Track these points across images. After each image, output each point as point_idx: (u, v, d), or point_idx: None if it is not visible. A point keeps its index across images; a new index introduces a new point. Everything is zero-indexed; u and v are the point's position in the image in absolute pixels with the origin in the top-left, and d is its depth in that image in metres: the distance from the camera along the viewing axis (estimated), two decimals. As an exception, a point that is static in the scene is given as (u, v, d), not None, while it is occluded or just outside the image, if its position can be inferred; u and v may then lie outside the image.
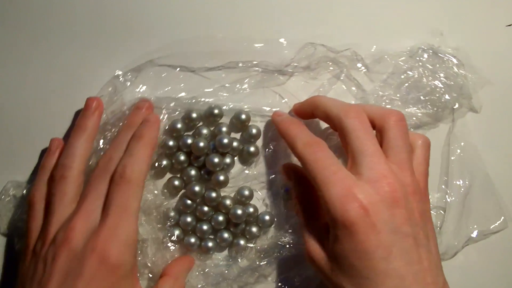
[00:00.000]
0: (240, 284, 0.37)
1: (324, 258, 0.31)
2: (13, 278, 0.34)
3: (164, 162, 0.38)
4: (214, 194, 0.37)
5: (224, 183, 0.38)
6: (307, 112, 0.36)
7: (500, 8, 0.40)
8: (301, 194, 0.35)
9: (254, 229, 0.38)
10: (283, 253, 0.37)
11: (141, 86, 0.38)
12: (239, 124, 0.38)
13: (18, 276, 0.32)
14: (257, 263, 0.37)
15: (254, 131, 0.38)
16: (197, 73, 0.38)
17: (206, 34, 0.39)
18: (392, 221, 0.29)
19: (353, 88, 0.39)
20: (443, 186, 0.39)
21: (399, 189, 0.29)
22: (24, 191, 0.37)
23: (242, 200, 0.38)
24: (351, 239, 0.29)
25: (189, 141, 0.38)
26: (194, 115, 0.38)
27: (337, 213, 0.29)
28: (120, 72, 0.38)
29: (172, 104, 0.38)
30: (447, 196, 0.38)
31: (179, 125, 0.38)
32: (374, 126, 0.33)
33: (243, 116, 0.38)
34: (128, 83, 0.38)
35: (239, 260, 0.38)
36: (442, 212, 0.38)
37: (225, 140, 0.37)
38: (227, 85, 0.38)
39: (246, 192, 0.38)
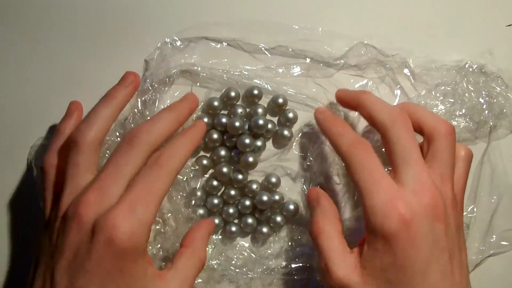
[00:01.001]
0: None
1: (354, 275, 0.29)
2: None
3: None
4: (240, 176, 0.37)
5: (252, 165, 0.37)
6: (350, 104, 0.35)
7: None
8: (327, 219, 0.33)
9: (278, 218, 0.37)
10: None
11: (187, 56, 0.38)
12: (276, 107, 0.38)
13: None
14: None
15: (291, 115, 0.38)
16: (244, 50, 0.38)
17: (260, 18, 0.38)
18: (432, 235, 0.28)
19: (397, 92, 0.39)
20: (471, 206, 0.39)
21: (440, 202, 0.29)
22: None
23: (269, 186, 0.38)
24: (390, 252, 0.28)
25: (224, 120, 0.37)
26: (232, 93, 0.37)
27: (377, 223, 0.28)
28: (168, 40, 0.38)
29: (214, 78, 0.38)
30: (474, 213, 0.39)
31: (216, 103, 0.37)
32: (422, 131, 0.32)
33: (280, 100, 0.38)
34: (176, 51, 0.37)
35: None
36: (467, 228, 0.38)
37: (261, 121, 0.37)
38: (272, 66, 0.38)
39: (274, 179, 0.38)
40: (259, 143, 0.38)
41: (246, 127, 0.37)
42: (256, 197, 0.37)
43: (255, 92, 0.37)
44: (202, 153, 0.38)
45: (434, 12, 0.40)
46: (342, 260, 0.30)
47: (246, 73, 0.38)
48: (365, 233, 0.30)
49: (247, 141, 0.36)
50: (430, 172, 0.30)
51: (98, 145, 0.31)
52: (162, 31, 0.38)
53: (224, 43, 0.38)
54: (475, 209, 0.39)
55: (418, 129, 0.32)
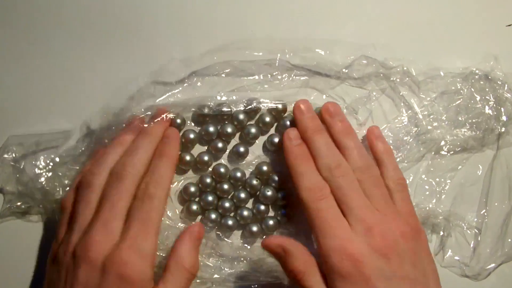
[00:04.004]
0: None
1: None
2: (11, 234, 0.36)
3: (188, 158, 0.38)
4: (239, 174, 0.37)
5: (244, 155, 0.38)
6: (299, 130, 0.36)
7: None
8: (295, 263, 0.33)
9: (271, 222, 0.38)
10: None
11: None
12: (276, 114, 0.38)
13: (45, 278, 0.33)
14: None
15: (287, 123, 0.38)
16: (237, 67, 0.38)
17: (263, 34, 0.39)
18: (387, 269, 0.31)
19: (401, 103, 0.39)
20: (482, 211, 0.39)
21: (389, 236, 0.31)
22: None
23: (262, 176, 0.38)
24: None
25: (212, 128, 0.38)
26: (229, 129, 0.38)
27: (333, 265, 0.31)
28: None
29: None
30: (485, 218, 0.39)
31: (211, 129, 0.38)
32: None
33: (279, 106, 0.38)
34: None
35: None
36: (478, 233, 0.38)
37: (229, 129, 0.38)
38: (270, 76, 0.38)
39: (265, 168, 0.37)
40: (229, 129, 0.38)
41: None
42: (261, 191, 0.37)
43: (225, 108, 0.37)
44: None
45: (436, 20, 0.40)
46: None
47: (249, 84, 0.38)
48: (324, 271, 0.32)
49: (253, 130, 0.38)
50: (373, 211, 0.33)
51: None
52: (162, 46, 0.39)
53: (222, 73, 0.38)
54: (486, 215, 0.39)
55: None
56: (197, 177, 0.38)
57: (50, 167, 0.37)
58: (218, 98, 0.38)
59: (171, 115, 0.37)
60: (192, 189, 0.37)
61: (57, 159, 0.37)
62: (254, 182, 0.37)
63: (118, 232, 0.31)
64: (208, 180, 0.38)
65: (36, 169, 0.37)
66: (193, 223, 0.37)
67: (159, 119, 0.36)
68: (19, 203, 0.37)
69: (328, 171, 0.34)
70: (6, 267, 0.37)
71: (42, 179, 0.37)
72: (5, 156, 0.37)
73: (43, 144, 0.37)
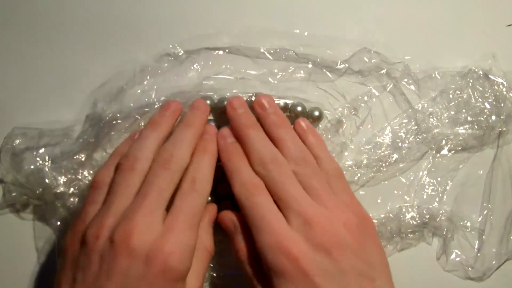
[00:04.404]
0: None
1: None
2: (11, 228, 0.36)
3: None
4: None
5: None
6: (232, 128, 0.36)
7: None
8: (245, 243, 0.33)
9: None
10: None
11: (190, 68, 0.39)
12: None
13: (64, 256, 0.31)
14: None
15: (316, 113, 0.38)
16: (246, 55, 0.38)
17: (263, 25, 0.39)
18: (328, 263, 0.29)
19: (401, 101, 0.39)
20: (485, 211, 0.38)
21: (329, 229, 0.30)
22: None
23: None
24: (290, 286, 0.29)
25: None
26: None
27: (269, 262, 0.29)
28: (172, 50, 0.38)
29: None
30: (488, 218, 0.38)
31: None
32: None
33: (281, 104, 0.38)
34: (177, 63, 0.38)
35: None
36: (482, 234, 0.38)
37: None
38: (274, 71, 0.38)
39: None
40: None
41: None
42: None
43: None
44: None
45: (436, 19, 0.40)
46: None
47: (250, 78, 0.38)
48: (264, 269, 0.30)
49: None
50: (311, 203, 0.31)
51: (146, 172, 0.33)
52: (162, 36, 0.39)
53: (226, 50, 0.38)
54: (490, 215, 0.38)
55: None
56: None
57: (51, 160, 0.37)
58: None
59: (208, 102, 0.37)
60: None
61: (59, 153, 0.37)
62: None
63: (161, 222, 0.30)
64: None
65: (38, 162, 0.36)
66: (207, 204, 0.36)
67: (198, 110, 0.36)
68: (18, 195, 0.36)
69: (261, 166, 0.33)
70: (5, 259, 0.37)
71: (43, 171, 0.36)
72: (8, 146, 0.37)
73: (46, 137, 0.37)
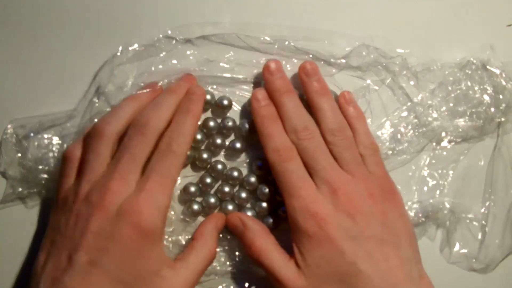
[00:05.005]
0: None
1: (299, 279, 0.31)
2: (13, 218, 0.36)
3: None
4: (236, 173, 0.37)
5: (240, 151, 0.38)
6: (268, 92, 0.36)
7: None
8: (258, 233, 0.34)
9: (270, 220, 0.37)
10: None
11: (188, 53, 0.38)
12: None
13: (47, 228, 0.32)
14: None
15: None
16: (246, 43, 0.38)
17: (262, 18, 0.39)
18: (352, 228, 0.31)
19: (400, 94, 0.39)
20: (487, 203, 0.39)
21: (355, 197, 0.32)
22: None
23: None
24: (317, 249, 0.31)
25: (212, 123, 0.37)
26: (225, 102, 0.38)
27: (299, 225, 0.31)
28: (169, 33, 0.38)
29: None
30: (491, 209, 0.38)
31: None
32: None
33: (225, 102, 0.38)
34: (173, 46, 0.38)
35: None
36: (485, 225, 0.38)
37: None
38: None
39: (261, 164, 0.37)
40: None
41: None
42: (258, 189, 0.37)
43: (225, 102, 0.37)
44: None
45: (434, 12, 0.40)
46: (288, 270, 0.32)
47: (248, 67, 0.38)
48: (292, 233, 0.32)
49: (247, 125, 0.37)
50: (339, 172, 0.33)
51: (118, 137, 0.33)
52: (158, 26, 0.39)
53: (224, 37, 0.38)
54: (492, 206, 0.38)
55: None
56: (195, 175, 0.38)
57: (53, 146, 0.37)
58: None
59: (208, 97, 0.37)
60: (192, 189, 0.37)
61: (60, 139, 0.37)
62: (252, 179, 0.37)
63: (133, 184, 0.31)
64: (209, 180, 0.37)
65: (40, 149, 0.37)
66: (215, 213, 0.37)
67: (186, 82, 0.36)
68: (21, 189, 0.37)
69: (293, 133, 0.34)
70: (8, 253, 0.37)
71: (46, 158, 0.37)
72: (8, 139, 0.37)
73: (46, 124, 0.37)
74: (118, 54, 0.38)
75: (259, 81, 0.38)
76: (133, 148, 0.32)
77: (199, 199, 0.38)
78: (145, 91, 0.35)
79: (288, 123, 0.34)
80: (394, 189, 0.34)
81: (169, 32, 0.38)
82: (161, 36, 0.38)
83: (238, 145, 0.37)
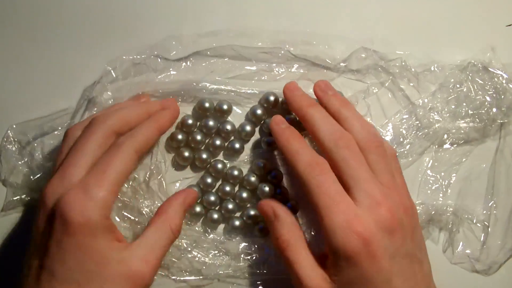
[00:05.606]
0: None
1: (319, 282, 0.30)
2: (14, 225, 0.36)
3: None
4: (236, 172, 0.37)
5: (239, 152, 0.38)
6: (295, 113, 0.35)
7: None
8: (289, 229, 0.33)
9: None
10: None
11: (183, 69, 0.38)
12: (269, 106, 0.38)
13: None
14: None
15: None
16: (242, 55, 0.38)
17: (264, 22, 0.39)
18: (391, 246, 0.30)
19: (400, 97, 0.39)
20: (490, 203, 0.38)
21: (395, 213, 0.30)
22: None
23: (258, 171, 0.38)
24: (354, 268, 0.29)
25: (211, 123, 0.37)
26: (225, 106, 0.37)
27: (339, 243, 0.29)
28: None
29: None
30: (493, 211, 0.38)
31: (207, 104, 0.38)
32: None
33: (271, 98, 0.38)
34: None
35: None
36: (487, 226, 0.38)
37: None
38: (273, 69, 0.38)
39: (261, 164, 0.37)
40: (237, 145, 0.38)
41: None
42: (258, 190, 0.37)
43: (225, 107, 0.37)
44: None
45: (434, 14, 0.40)
46: (313, 272, 0.30)
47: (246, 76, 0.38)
48: (326, 249, 0.30)
49: (248, 127, 0.38)
50: (379, 185, 0.31)
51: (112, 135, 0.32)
52: (158, 28, 0.39)
53: (221, 47, 0.38)
54: (495, 207, 0.38)
55: None
56: (195, 176, 0.38)
57: (53, 152, 0.37)
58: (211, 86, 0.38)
59: (207, 104, 0.37)
60: (195, 189, 0.37)
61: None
62: (252, 178, 0.37)
63: (75, 178, 0.29)
64: (209, 180, 0.37)
65: (40, 155, 0.37)
66: (187, 188, 0.36)
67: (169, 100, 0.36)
68: (23, 196, 0.36)
69: (332, 142, 0.32)
70: (9, 260, 0.36)
71: (46, 164, 0.36)
72: (8, 146, 0.37)
73: (45, 129, 0.37)
74: (110, 69, 0.37)
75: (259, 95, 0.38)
76: (79, 144, 0.31)
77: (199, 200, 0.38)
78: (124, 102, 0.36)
79: (323, 132, 0.32)
80: (412, 199, 0.33)
81: (165, 40, 0.38)
82: (155, 42, 0.38)
83: (237, 145, 0.37)
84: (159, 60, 0.38)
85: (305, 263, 0.31)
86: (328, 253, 0.30)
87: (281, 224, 0.32)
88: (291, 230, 0.32)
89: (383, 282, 0.29)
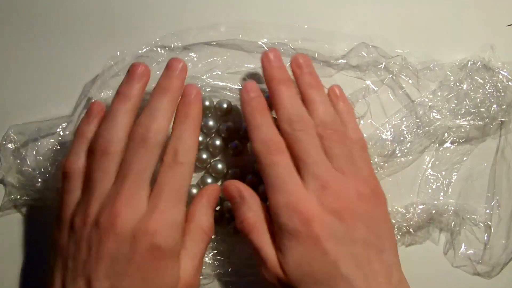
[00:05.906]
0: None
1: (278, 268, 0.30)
2: (11, 225, 0.36)
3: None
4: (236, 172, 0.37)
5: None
6: (265, 81, 0.34)
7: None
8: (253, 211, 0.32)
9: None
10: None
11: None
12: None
13: (55, 248, 0.31)
14: None
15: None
16: (243, 49, 0.38)
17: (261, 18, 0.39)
18: (338, 229, 0.29)
19: (400, 95, 0.39)
20: (492, 203, 0.38)
21: (343, 197, 0.30)
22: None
23: None
24: (299, 247, 0.29)
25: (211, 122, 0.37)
26: (224, 105, 0.37)
27: (281, 222, 0.30)
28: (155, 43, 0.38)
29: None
30: (496, 210, 0.38)
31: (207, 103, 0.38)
32: None
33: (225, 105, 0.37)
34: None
35: None
36: (489, 227, 0.37)
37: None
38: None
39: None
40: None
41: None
42: (259, 190, 0.36)
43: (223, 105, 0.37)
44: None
45: (434, 12, 0.40)
46: (274, 255, 0.31)
47: (245, 70, 0.38)
48: (274, 228, 0.31)
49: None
50: (330, 169, 0.31)
51: (123, 150, 0.31)
52: (157, 27, 0.38)
53: (222, 42, 0.38)
54: (498, 207, 0.38)
55: None
56: (195, 176, 0.38)
57: (52, 153, 0.37)
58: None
59: (207, 103, 0.36)
60: (194, 190, 0.37)
61: (59, 146, 0.37)
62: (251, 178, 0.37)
63: (144, 202, 0.30)
64: (209, 180, 0.37)
65: (38, 156, 0.36)
66: (209, 184, 0.36)
67: (176, 71, 0.33)
68: (19, 196, 0.36)
69: (288, 123, 0.32)
70: (6, 260, 0.37)
71: (44, 165, 0.36)
72: (7, 146, 0.36)
73: (44, 130, 0.37)
74: (112, 64, 0.37)
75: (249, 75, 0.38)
76: (137, 164, 0.30)
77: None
78: (132, 81, 0.32)
79: (282, 112, 0.32)
80: (380, 189, 0.33)
81: (166, 37, 0.38)
82: (157, 39, 0.38)
83: (237, 145, 0.37)
84: (162, 51, 0.38)
85: (269, 247, 0.31)
86: (275, 233, 0.30)
87: (247, 207, 0.32)
88: (257, 214, 0.32)
89: (329, 265, 0.29)
